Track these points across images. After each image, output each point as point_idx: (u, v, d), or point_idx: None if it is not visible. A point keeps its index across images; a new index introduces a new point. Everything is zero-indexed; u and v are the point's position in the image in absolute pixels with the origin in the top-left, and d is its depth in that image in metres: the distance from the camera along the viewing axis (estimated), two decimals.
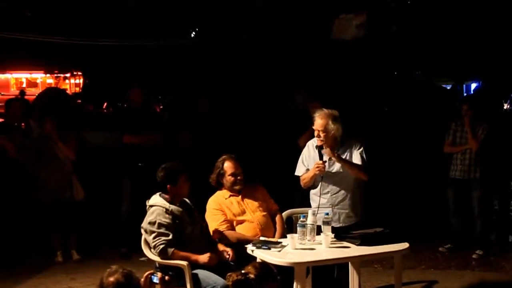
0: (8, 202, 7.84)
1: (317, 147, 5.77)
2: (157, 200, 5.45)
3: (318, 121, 5.76)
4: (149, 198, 5.55)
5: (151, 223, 5.33)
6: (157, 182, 5.52)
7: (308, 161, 5.89)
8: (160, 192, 5.52)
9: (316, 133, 5.77)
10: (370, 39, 10.63)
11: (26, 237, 7.94)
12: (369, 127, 9.30)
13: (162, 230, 5.28)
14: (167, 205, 5.39)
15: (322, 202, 5.77)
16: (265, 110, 9.75)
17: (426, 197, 9.36)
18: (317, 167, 5.68)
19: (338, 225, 5.68)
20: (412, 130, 10.20)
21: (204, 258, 5.25)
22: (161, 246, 5.25)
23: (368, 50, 10.86)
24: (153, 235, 5.29)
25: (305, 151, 5.99)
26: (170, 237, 5.27)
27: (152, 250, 5.34)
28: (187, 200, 5.64)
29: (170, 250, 5.25)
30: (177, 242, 5.29)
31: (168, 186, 5.45)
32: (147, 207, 5.48)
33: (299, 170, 5.97)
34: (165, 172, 5.51)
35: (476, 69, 12.66)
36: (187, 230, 5.44)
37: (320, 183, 5.80)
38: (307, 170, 5.87)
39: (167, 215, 5.33)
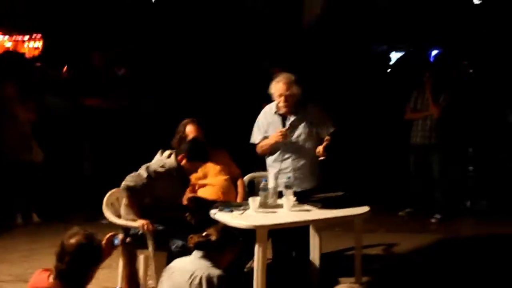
0: None
1: (280, 114, 5.75)
2: (170, 161, 5.30)
3: (282, 86, 5.68)
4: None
5: (146, 168, 5.18)
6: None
7: (266, 128, 5.84)
8: (176, 151, 5.38)
9: (281, 98, 5.69)
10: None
11: None
12: (330, 94, 9.32)
13: (146, 178, 5.11)
14: (174, 167, 5.27)
15: (284, 167, 5.77)
16: (229, 74, 9.69)
17: (387, 162, 9.45)
18: (281, 134, 5.66)
19: (299, 190, 5.66)
20: (373, 97, 10.24)
21: (139, 222, 5.07)
22: (128, 184, 5.10)
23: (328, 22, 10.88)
24: (137, 172, 5.16)
25: (261, 118, 5.92)
26: (145, 183, 5.12)
27: None
28: None
29: (127, 193, 5.13)
30: (157, 204, 5.21)
31: (182, 156, 5.31)
32: (159, 157, 5.39)
33: (256, 137, 5.92)
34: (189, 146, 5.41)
35: (436, 35, 12.71)
36: (177, 195, 5.42)
37: (280, 149, 5.79)
38: (265, 137, 5.84)
39: (165, 174, 5.22)
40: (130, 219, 5.20)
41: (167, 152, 5.43)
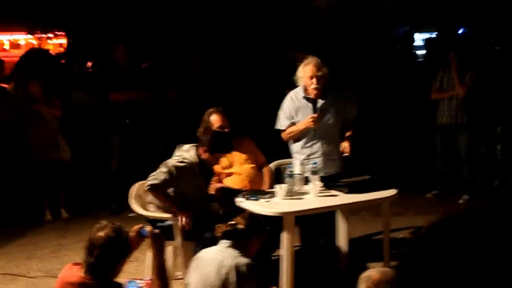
0: None
1: (309, 99, 5.67)
2: (190, 155, 5.31)
3: (312, 67, 5.58)
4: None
5: (165, 164, 5.22)
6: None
7: (293, 113, 5.75)
8: (197, 145, 5.39)
9: (312, 80, 5.60)
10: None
11: (14, 197, 7.91)
12: (357, 76, 9.27)
13: (165, 172, 5.13)
14: (195, 162, 5.29)
15: (313, 152, 5.70)
16: (252, 62, 9.67)
17: (413, 144, 9.38)
18: (312, 120, 5.56)
19: (326, 175, 5.62)
20: (399, 78, 10.17)
21: (178, 214, 5.14)
22: (151, 182, 5.11)
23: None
24: (157, 170, 5.18)
25: (287, 103, 5.81)
26: (167, 178, 5.14)
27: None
28: None
29: (153, 192, 5.19)
30: (182, 198, 5.25)
31: (203, 149, 5.34)
32: (178, 153, 5.39)
33: (282, 123, 5.81)
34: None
35: (461, 15, 12.58)
36: (201, 189, 5.43)
37: (308, 134, 5.72)
38: (292, 123, 5.78)
39: (187, 169, 5.24)
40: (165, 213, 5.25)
41: (185, 147, 5.43)
